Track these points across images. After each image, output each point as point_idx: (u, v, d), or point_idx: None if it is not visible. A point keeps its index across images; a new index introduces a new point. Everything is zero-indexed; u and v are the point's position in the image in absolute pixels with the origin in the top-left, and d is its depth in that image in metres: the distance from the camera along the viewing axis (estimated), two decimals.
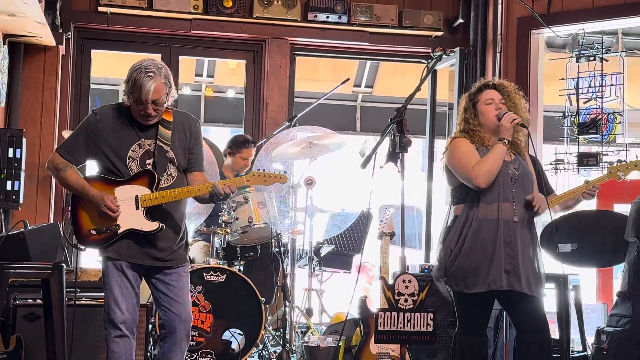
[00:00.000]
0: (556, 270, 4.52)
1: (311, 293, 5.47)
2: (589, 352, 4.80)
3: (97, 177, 3.63)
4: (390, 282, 3.39)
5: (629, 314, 4.53)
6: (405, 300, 3.34)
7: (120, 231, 3.55)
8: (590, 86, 5.93)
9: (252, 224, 5.06)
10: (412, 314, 3.33)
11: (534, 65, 6.30)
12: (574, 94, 5.98)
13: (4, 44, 5.48)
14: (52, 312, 3.90)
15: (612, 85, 5.88)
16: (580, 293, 4.93)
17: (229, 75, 9.21)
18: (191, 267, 4.54)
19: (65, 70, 6.20)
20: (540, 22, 6.16)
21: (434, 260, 4.06)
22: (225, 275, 4.70)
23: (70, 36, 6.20)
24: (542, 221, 5.06)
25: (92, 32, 6.41)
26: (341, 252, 6.26)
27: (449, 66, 6.89)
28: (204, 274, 4.68)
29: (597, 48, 5.90)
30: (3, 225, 5.35)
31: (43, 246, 4.26)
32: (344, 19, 6.56)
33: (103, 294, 3.62)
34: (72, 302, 3.97)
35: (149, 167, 3.59)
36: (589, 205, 4.41)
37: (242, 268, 5.29)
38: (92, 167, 3.75)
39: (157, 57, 6.27)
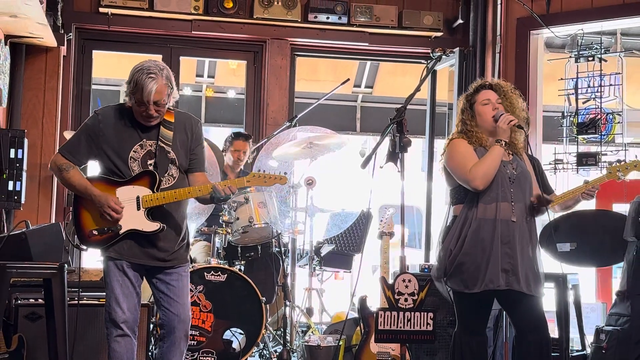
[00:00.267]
0: (555, 270, 4.53)
1: (311, 292, 5.49)
2: (588, 351, 4.81)
3: (98, 177, 3.64)
4: (390, 281, 3.40)
5: (628, 313, 4.53)
6: (405, 300, 3.35)
7: (121, 231, 3.56)
8: (589, 86, 5.93)
9: (253, 223, 5.07)
10: (412, 313, 3.34)
11: (533, 66, 6.31)
12: (573, 94, 5.98)
13: (5, 44, 5.49)
14: (54, 311, 3.90)
15: (610, 85, 5.88)
16: (579, 292, 4.95)
17: (230, 75, 9.22)
18: (192, 266, 4.56)
19: (66, 71, 6.21)
20: (539, 22, 6.17)
21: (433, 260, 4.07)
22: (226, 275, 4.72)
23: (71, 37, 6.20)
24: (541, 221, 5.07)
25: (93, 33, 6.42)
26: (341, 251, 6.26)
27: (448, 66, 6.89)
28: (205, 273, 4.69)
29: (596, 48, 5.90)
30: (5, 225, 5.37)
31: (44, 246, 4.26)
32: (344, 19, 6.57)
33: (104, 293, 3.64)
34: (74, 301, 3.98)
35: (151, 167, 3.60)
36: (588, 204, 4.40)
37: (242, 268, 5.30)
38: (93, 168, 3.76)
39: (158, 57, 6.29)
